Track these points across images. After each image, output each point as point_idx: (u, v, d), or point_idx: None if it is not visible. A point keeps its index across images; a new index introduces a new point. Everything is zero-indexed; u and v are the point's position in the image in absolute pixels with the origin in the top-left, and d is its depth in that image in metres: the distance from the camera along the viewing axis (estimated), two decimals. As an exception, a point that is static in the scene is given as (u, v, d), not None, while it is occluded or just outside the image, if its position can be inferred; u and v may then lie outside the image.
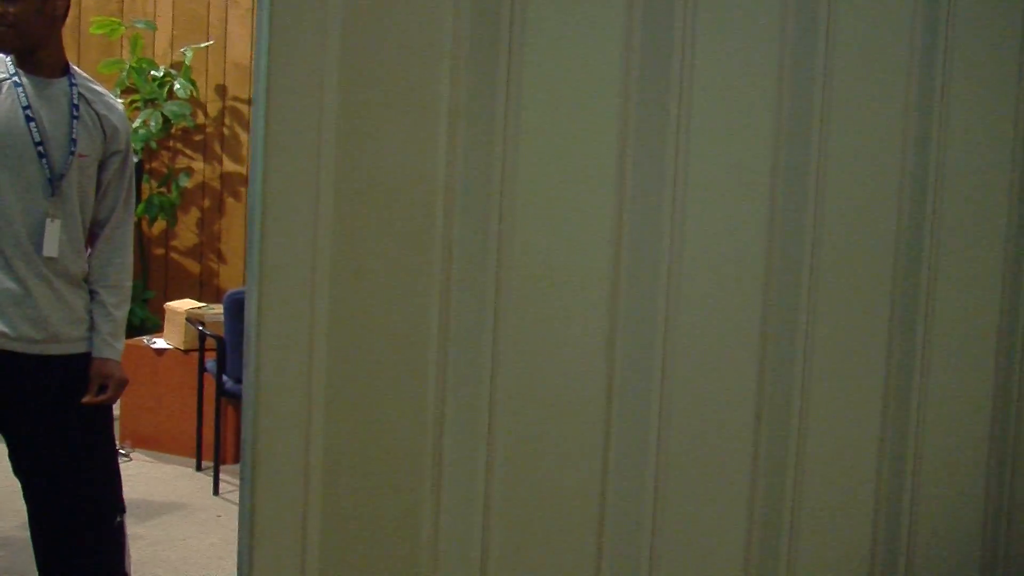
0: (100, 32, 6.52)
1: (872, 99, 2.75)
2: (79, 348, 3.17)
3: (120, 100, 5.99)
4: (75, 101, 3.14)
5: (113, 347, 3.20)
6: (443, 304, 2.39)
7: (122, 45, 6.72)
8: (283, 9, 2.25)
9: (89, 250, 3.24)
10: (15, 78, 3.08)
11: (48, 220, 3.07)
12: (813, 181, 2.69)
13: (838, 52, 2.69)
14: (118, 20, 6.56)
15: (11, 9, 3.02)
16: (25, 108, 3.06)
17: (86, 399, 3.14)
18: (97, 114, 3.18)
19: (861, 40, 2.71)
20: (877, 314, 2.81)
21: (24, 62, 3.11)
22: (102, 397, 3.16)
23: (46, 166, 3.07)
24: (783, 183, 2.68)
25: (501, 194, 2.43)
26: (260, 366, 2.29)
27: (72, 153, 3.10)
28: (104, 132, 3.19)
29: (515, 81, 2.43)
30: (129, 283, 3.29)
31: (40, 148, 3.06)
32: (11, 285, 3.05)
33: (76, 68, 3.23)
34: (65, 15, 3.16)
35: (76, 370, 3.16)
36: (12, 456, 3.20)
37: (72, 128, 3.11)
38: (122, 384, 3.22)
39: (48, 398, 3.14)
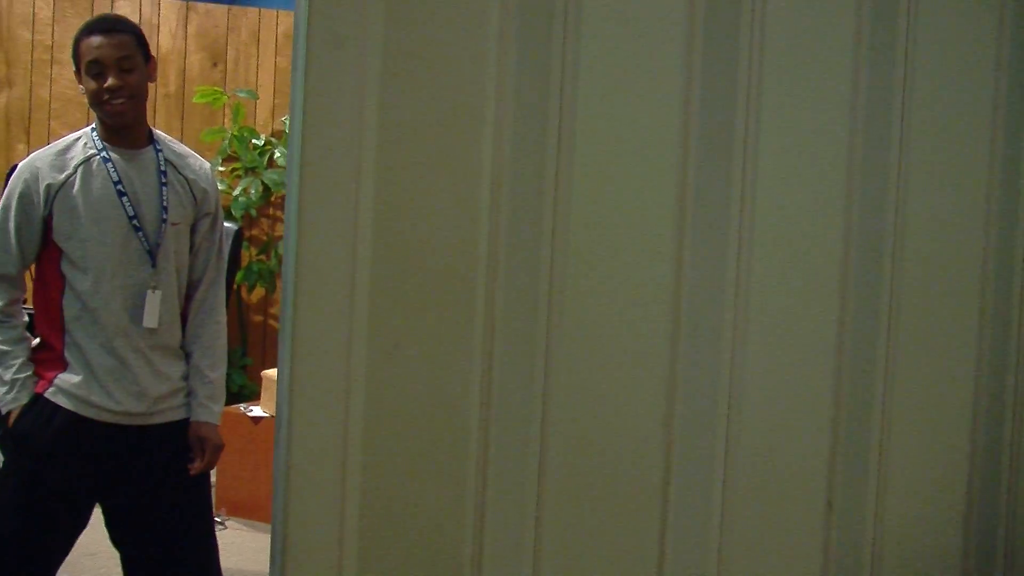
0: (203, 101, 6.58)
1: (952, 159, 2.54)
2: (177, 415, 3.15)
3: (221, 167, 6.05)
4: (163, 168, 3.11)
5: (210, 410, 3.16)
6: (485, 382, 2.24)
7: (224, 114, 6.78)
8: (319, 72, 2.15)
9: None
10: (103, 153, 3.05)
11: (149, 291, 3.06)
12: (890, 239, 2.50)
13: (915, 111, 2.50)
14: (220, 89, 6.62)
15: (130, 80, 3.01)
16: (116, 183, 3.04)
17: (194, 466, 3.11)
18: (186, 179, 3.17)
19: (939, 101, 2.52)
20: (960, 383, 2.57)
21: (114, 134, 3.09)
22: (198, 465, 3.12)
23: (143, 239, 3.05)
24: (857, 234, 2.48)
25: (551, 266, 2.29)
26: (292, 447, 2.16)
27: (164, 221, 3.07)
28: (195, 197, 3.17)
29: (566, 143, 2.29)
30: (223, 343, 3.24)
31: (135, 221, 3.05)
32: (111, 361, 3.03)
33: (158, 131, 3.21)
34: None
35: (174, 436, 3.14)
36: (109, 525, 3.19)
37: (163, 196, 3.08)
38: (218, 449, 3.17)
39: (147, 466, 3.11)
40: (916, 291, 2.51)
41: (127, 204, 3.05)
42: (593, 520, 2.33)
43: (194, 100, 6.63)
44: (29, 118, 6.47)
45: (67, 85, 6.53)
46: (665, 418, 2.36)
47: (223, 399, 3.22)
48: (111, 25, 3.05)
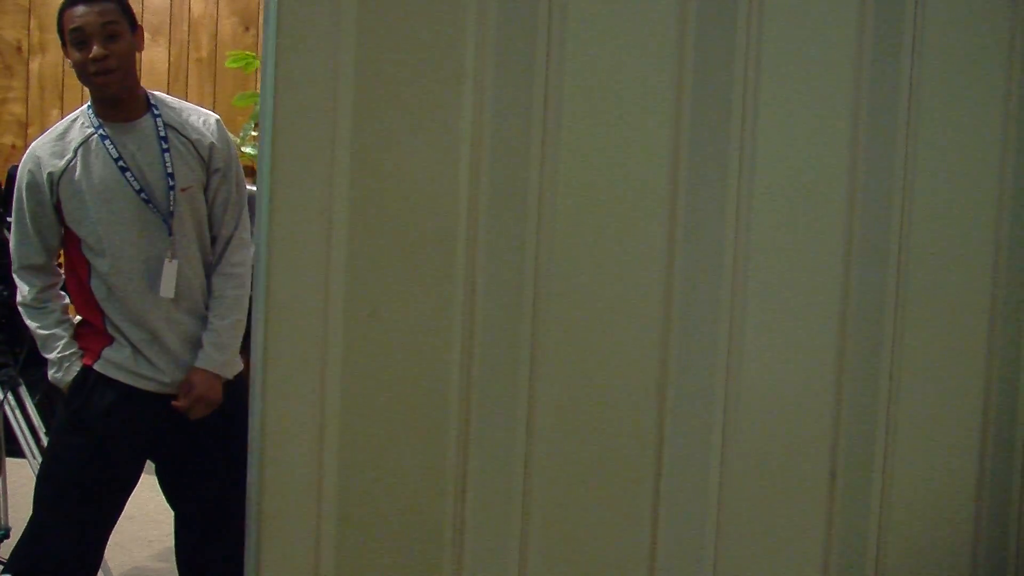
0: (235, 66, 6.51)
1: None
2: None
3: (254, 132, 5.96)
4: (162, 134, 3.03)
5: (208, 357, 3.11)
6: (466, 349, 2.15)
7: (257, 78, 6.71)
8: (292, 24, 2.06)
9: None
10: (100, 130, 3.00)
11: (166, 261, 3.02)
12: (898, 204, 2.36)
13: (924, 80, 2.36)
14: (253, 54, 6.55)
15: (115, 48, 2.94)
16: (117, 160, 2.99)
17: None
18: (189, 140, 3.09)
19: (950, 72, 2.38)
20: (972, 353, 2.44)
21: (109, 108, 3.03)
22: (178, 403, 3.08)
23: (154, 210, 3.00)
24: (862, 199, 2.35)
25: (538, 226, 2.19)
26: (266, 416, 2.09)
27: (172, 188, 3.01)
28: (201, 157, 3.10)
29: (553, 96, 2.18)
30: (233, 292, 3.16)
31: (143, 195, 3.01)
32: (144, 334, 3.03)
33: (157, 94, 3.13)
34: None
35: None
36: (162, 484, 3.26)
37: (166, 163, 3.01)
38: (198, 400, 3.09)
39: (191, 429, 3.13)
40: (926, 256, 2.39)
41: (131, 179, 3.00)
42: (583, 491, 2.24)
43: (226, 65, 6.56)
44: (63, 84, 6.44)
45: (99, 51, 6.51)
46: (659, 384, 2.26)
47: (229, 348, 3.14)
48: None
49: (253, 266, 2.99)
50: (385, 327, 2.12)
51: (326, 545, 2.12)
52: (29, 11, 6.41)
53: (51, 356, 3.08)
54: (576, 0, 2.18)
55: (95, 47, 2.92)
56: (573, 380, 2.22)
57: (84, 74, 2.97)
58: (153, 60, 6.57)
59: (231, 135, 3.23)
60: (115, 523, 3.21)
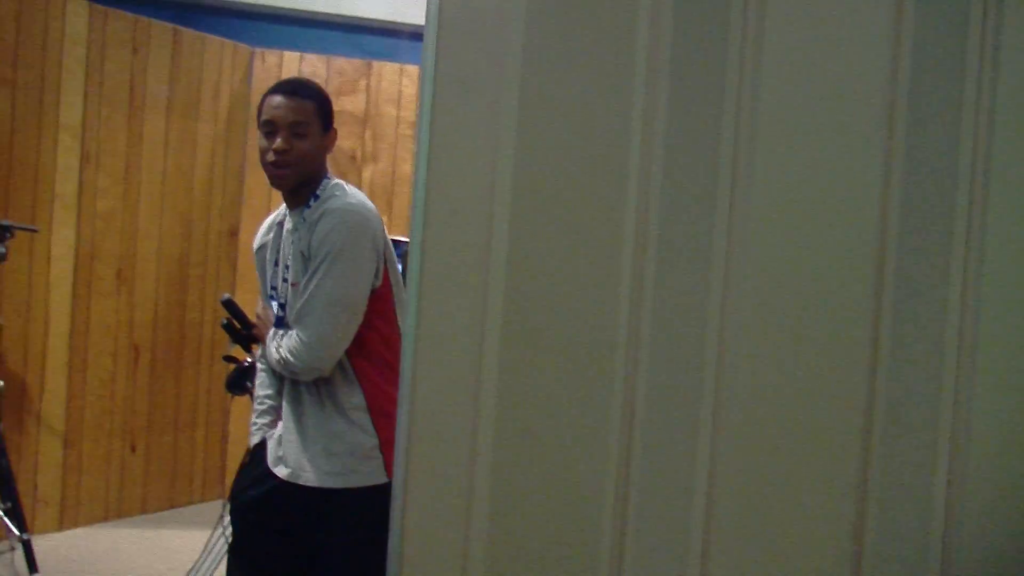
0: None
1: None
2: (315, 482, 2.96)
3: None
4: (298, 227, 2.99)
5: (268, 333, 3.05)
6: (621, 472, 1.91)
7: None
8: (445, 124, 1.94)
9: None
10: (284, 221, 3.09)
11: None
12: None
13: None
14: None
15: (300, 145, 2.94)
16: (279, 249, 3.10)
17: None
18: (309, 233, 2.94)
19: None
20: None
21: (285, 194, 3.05)
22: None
23: (272, 301, 3.10)
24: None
25: (720, 330, 1.93)
26: (406, 540, 1.94)
27: (285, 280, 3.01)
28: (304, 254, 2.95)
29: (740, 193, 1.94)
30: (277, 355, 2.95)
31: (271, 284, 3.13)
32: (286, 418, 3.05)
33: (334, 185, 3.02)
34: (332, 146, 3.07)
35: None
36: None
37: (286, 255, 3.04)
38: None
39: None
40: None
41: (270, 267, 3.12)
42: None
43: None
44: (392, 192, 6.66)
45: (426, 159, 6.71)
46: (855, 530, 1.92)
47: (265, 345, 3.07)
48: (295, 88, 2.98)
49: (292, 364, 2.88)
50: (536, 448, 1.92)
51: None
52: (364, 122, 6.69)
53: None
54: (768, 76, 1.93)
55: (280, 139, 2.91)
56: (757, 519, 1.93)
57: (263, 162, 2.97)
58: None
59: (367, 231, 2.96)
60: None
